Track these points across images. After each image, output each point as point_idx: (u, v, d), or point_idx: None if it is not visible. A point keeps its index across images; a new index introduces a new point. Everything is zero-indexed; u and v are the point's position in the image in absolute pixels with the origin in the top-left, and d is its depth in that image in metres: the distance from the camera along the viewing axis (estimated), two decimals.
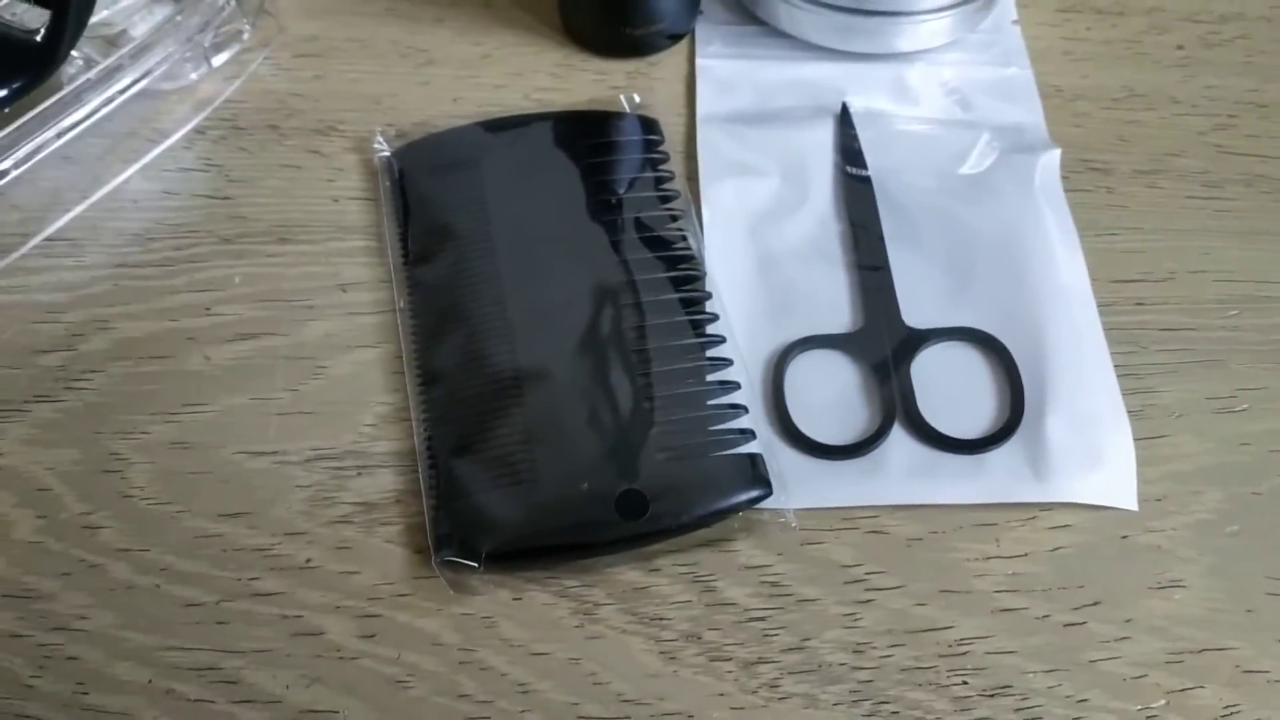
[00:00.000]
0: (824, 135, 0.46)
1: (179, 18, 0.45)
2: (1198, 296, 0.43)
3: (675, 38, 0.49)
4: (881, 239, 0.43)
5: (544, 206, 0.43)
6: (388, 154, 0.45)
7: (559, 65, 0.49)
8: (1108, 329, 0.41)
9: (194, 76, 0.48)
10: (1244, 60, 0.50)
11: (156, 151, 0.46)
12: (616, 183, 0.44)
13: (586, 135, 0.45)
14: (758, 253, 0.43)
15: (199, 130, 0.47)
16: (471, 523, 0.36)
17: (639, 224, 0.43)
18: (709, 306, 0.41)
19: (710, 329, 0.40)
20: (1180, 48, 0.50)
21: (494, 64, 0.49)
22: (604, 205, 0.43)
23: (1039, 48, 0.50)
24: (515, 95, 0.48)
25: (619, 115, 0.46)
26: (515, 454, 0.37)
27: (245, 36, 0.48)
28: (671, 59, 0.49)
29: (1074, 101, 0.48)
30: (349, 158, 0.46)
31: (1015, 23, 0.51)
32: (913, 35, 0.48)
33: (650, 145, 0.45)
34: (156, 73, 0.45)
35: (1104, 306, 0.42)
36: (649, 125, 0.46)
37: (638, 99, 0.47)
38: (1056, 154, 0.45)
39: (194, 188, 0.45)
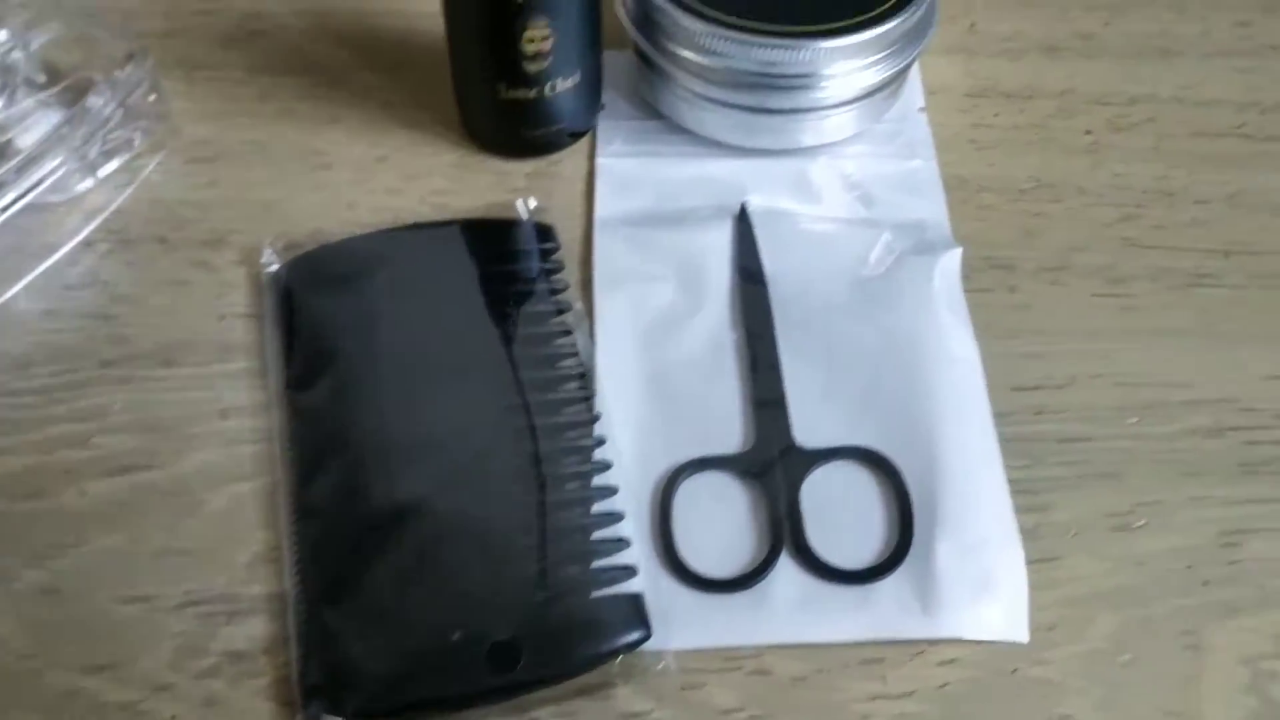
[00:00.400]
0: (723, 237, 0.46)
1: (67, 128, 0.44)
2: (1098, 403, 0.42)
3: (576, 135, 0.48)
4: (775, 349, 0.42)
5: (432, 324, 0.42)
6: (275, 269, 0.44)
7: (456, 166, 0.48)
8: (1005, 440, 0.40)
9: (82, 188, 0.46)
10: (1152, 145, 0.49)
11: (41, 268, 0.45)
12: (508, 296, 0.43)
13: (478, 246, 0.45)
14: (650, 366, 0.42)
15: (87, 243, 0.46)
16: (340, 675, 0.35)
17: (530, 339, 0.42)
18: (598, 429, 0.40)
19: (598, 453, 0.39)
20: (1089, 132, 0.50)
21: (390, 166, 0.48)
22: (494, 321, 0.42)
23: (945, 135, 0.49)
24: (411, 199, 0.47)
25: (513, 223, 0.45)
26: (387, 599, 0.36)
27: (136, 143, 0.47)
28: (572, 157, 0.48)
29: (979, 193, 0.47)
30: (238, 271, 0.45)
31: (922, 110, 0.50)
32: (816, 130, 0.47)
33: (545, 254, 0.45)
34: (43, 186, 0.44)
35: (1002, 416, 0.41)
36: (544, 233, 0.45)
37: (534, 204, 0.46)
38: (957, 254, 0.45)
39: (78, 306, 0.44)
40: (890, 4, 0.44)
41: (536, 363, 0.42)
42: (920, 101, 0.50)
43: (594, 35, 0.45)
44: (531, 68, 0.44)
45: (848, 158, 0.48)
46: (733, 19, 0.43)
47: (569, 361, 0.42)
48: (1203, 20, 0.54)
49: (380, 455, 0.39)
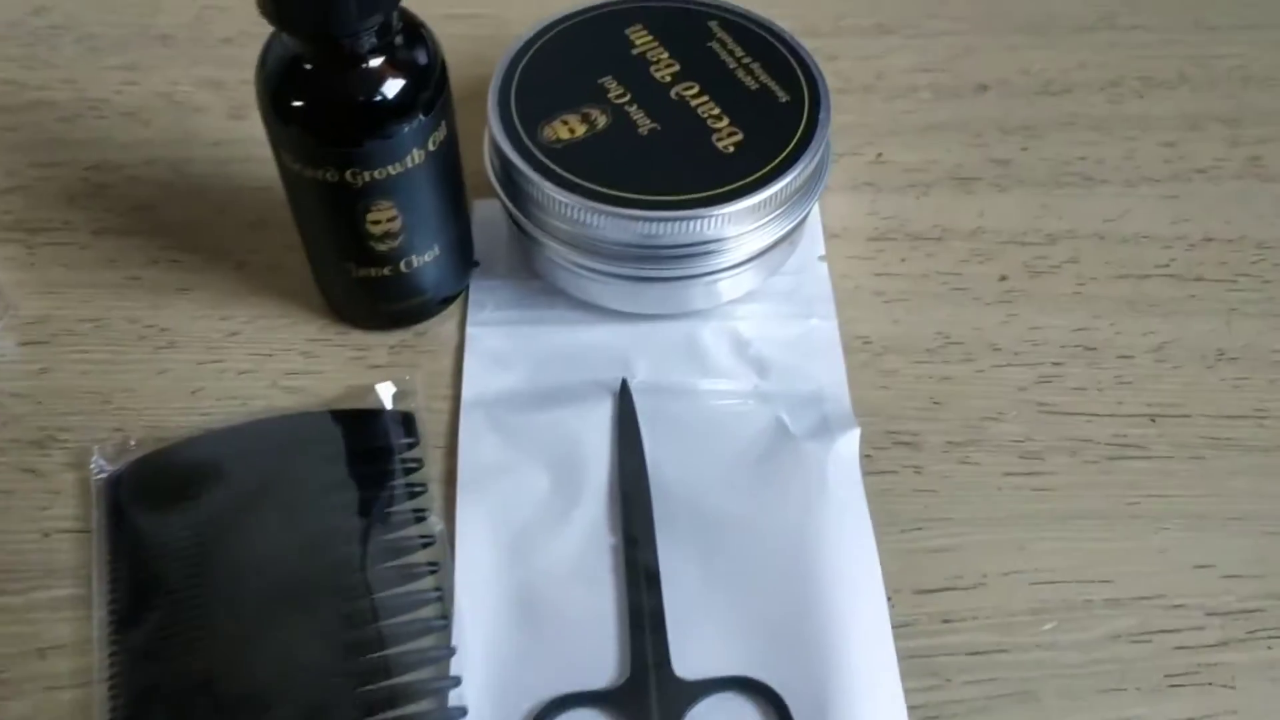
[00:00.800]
0: (602, 419, 0.42)
1: None
2: (1011, 606, 0.38)
3: (446, 300, 0.44)
4: (655, 557, 0.38)
5: (275, 542, 0.38)
6: (106, 475, 0.40)
7: (314, 341, 0.44)
8: (907, 658, 0.37)
9: None
10: (1073, 290, 0.46)
11: None
12: (362, 504, 0.39)
13: (330, 443, 0.41)
14: (516, 583, 0.38)
15: None
16: None
17: (384, 553, 0.38)
18: (453, 664, 0.36)
19: (453, 695, 0.35)
20: (1004, 278, 0.46)
21: (241, 342, 0.44)
22: (344, 537, 0.38)
23: (847, 287, 0.45)
24: (262, 382, 0.43)
25: (370, 414, 0.41)
26: None
27: None
28: (441, 326, 0.44)
29: (882, 356, 0.43)
30: (67, 477, 0.41)
31: (822, 259, 0.46)
32: (708, 294, 0.43)
33: (405, 449, 0.40)
34: None
35: (904, 627, 0.37)
36: (405, 425, 0.41)
37: (393, 389, 0.42)
38: (855, 436, 0.41)
39: None
40: (779, 160, 0.40)
41: (390, 582, 0.38)
42: (820, 249, 0.46)
43: (451, 206, 0.41)
44: (381, 247, 0.40)
45: (742, 318, 0.44)
46: (608, 190, 0.39)
47: (426, 581, 0.38)
48: (1127, 142, 0.50)
49: (211, 708, 0.34)
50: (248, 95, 0.48)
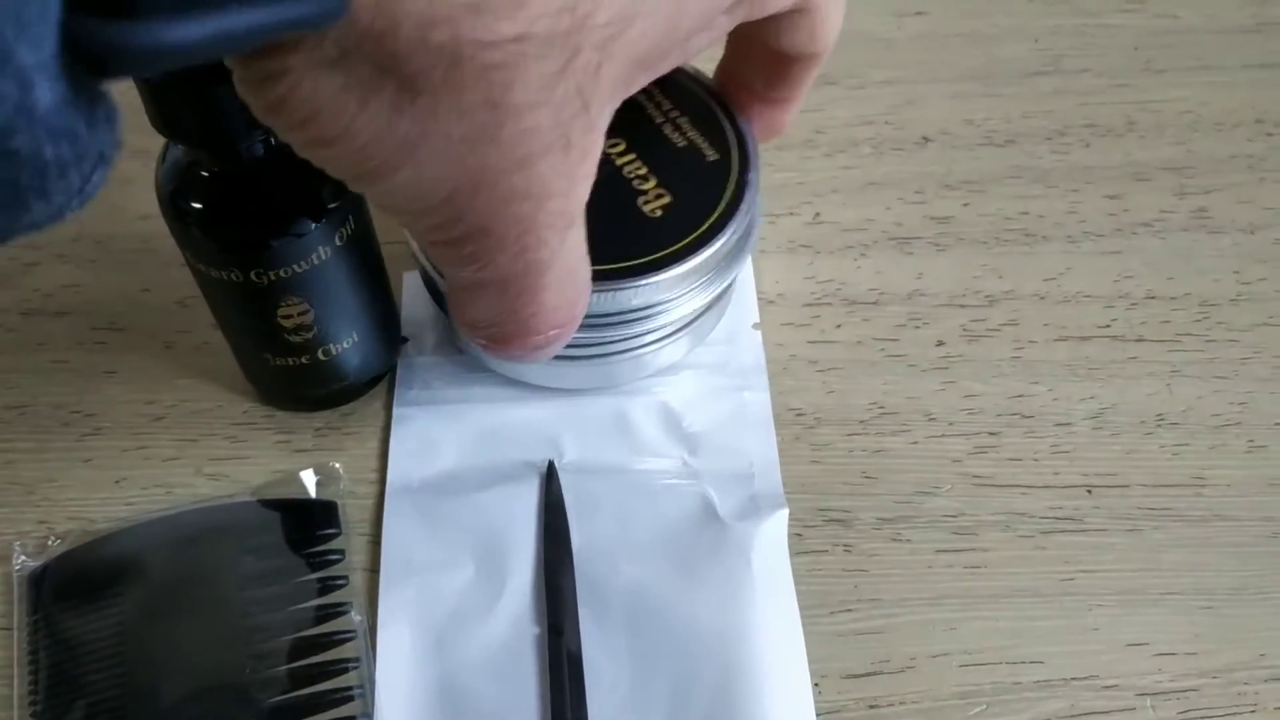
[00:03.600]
0: (528, 502, 0.41)
1: None
2: (940, 690, 0.38)
3: (373, 380, 0.44)
4: (579, 649, 0.38)
5: (195, 636, 0.38)
6: (26, 570, 0.39)
7: (239, 425, 0.43)
8: None
9: None
10: (1011, 355, 0.45)
11: None
12: (282, 598, 0.39)
13: (250, 536, 0.40)
14: (438, 675, 0.38)
15: None
16: None
17: (305, 648, 0.38)
18: None
19: None
20: (940, 344, 0.45)
21: (167, 427, 0.43)
22: (266, 633, 0.38)
23: (781, 357, 0.44)
24: (187, 470, 0.42)
25: (292, 504, 0.41)
26: None
27: None
28: (367, 405, 0.44)
29: (815, 429, 0.43)
30: None
31: (755, 327, 0.45)
32: (634, 367, 0.42)
33: (326, 539, 0.40)
34: None
35: (829, 715, 0.37)
36: (326, 514, 0.40)
37: (315, 477, 0.41)
38: (783, 517, 0.40)
39: None
40: (708, 225, 0.39)
41: (311, 679, 0.37)
42: (755, 317, 0.45)
43: (367, 293, 0.40)
44: (295, 339, 0.39)
45: (673, 391, 0.44)
46: None
47: (348, 678, 0.37)
48: (1071, 194, 0.49)
49: None
50: None
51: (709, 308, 0.42)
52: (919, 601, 0.39)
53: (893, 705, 0.37)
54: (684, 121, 0.42)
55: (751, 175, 0.40)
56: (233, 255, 0.36)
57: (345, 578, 0.39)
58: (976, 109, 0.53)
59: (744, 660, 0.37)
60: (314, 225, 0.36)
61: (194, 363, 0.45)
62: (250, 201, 0.35)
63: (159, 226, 0.46)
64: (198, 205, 0.35)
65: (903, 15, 0.57)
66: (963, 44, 0.55)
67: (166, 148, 0.36)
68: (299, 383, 0.42)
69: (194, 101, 0.32)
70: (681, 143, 0.41)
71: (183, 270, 0.45)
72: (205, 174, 0.35)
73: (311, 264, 0.37)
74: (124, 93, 0.53)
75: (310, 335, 0.39)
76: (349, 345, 0.41)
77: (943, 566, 0.40)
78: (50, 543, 0.40)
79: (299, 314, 0.38)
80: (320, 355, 0.40)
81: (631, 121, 0.41)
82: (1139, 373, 0.44)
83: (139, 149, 0.50)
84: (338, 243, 0.37)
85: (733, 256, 0.40)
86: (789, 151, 0.51)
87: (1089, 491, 0.42)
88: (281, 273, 0.36)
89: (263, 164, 0.35)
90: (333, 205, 0.36)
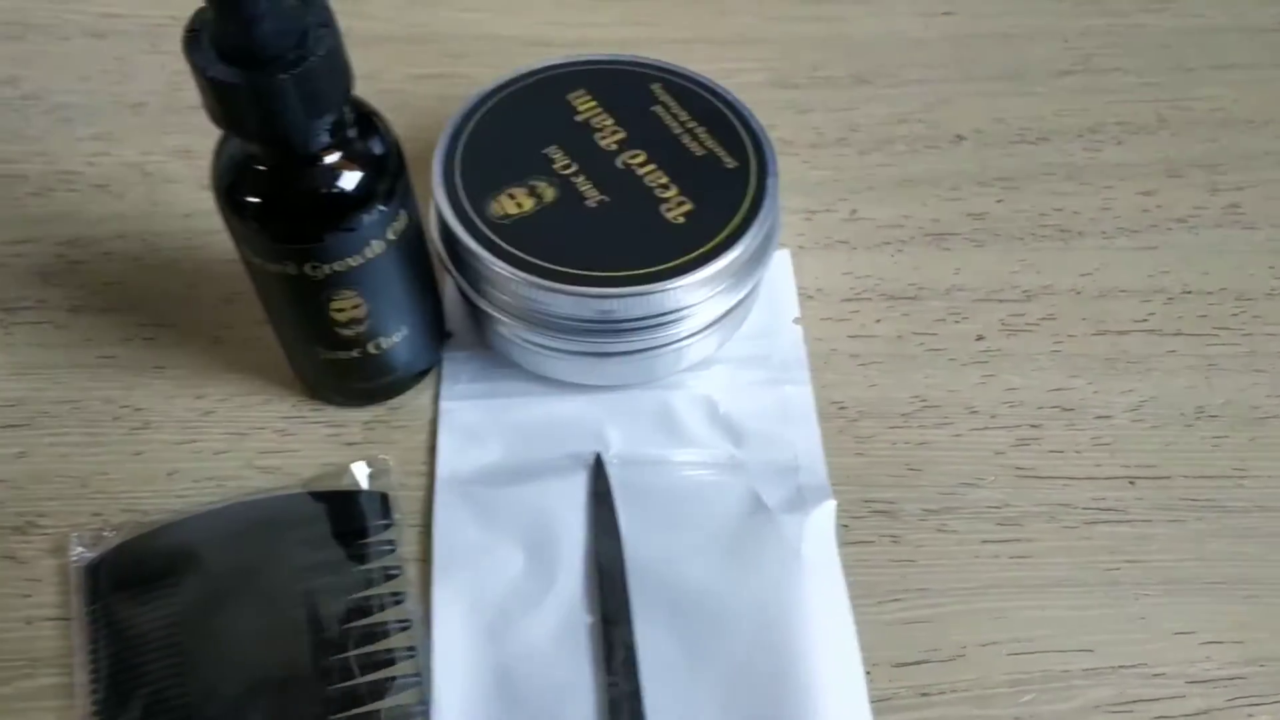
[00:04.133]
0: (576, 494, 0.42)
1: None
2: (989, 678, 0.38)
3: (420, 375, 0.44)
4: (632, 635, 0.38)
5: (253, 626, 0.39)
6: (84, 562, 0.40)
7: (287, 419, 0.44)
8: None
9: None
10: (1051, 349, 0.45)
11: None
12: (339, 587, 0.39)
13: (306, 526, 0.41)
14: (494, 663, 0.38)
15: None
16: None
17: (362, 637, 0.38)
18: None
19: None
20: (980, 338, 0.45)
21: (216, 422, 0.44)
22: (321, 622, 0.39)
23: (822, 351, 0.45)
24: (236, 462, 0.43)
25: (345, 495, 0.41)
26: None
27: None
28: (415, 399, 0.44)
29: (858, 422, 0.43)
30: (47, 564, 0.41)
31: (796, 321, 0.46)
32: (673, 360, 0.43)
33: (380, 530, 0.40)
34: None
35: (882, 702, 0.37)
36: (378, 505, 0.41)
37: (368, 469, 0.41)
38: (831, 508, 0.40)
39: None
40: (730, 229, 0.40)
41: (368, 666, 0.38)
42: (795, 311, 0.46)
43: (418, 287, 0.41)
44: (346, 333, 0.40)
45: (715, 385, 0.44)
46: (559, 267, 0.39)
47: (404, 666, 0.38)
48: (1104, 191, 0.50)
49: None
50: None
51: (738, 305, 0.42)
52: (966, 591, 0.40)
53: (943, 693, 0.38)
54: (701, 131, 0.43)
55: (770, 181, 0.41)
56: (287, 248, 0.36)
57: (399, 568, 0.40)
58: (1008, 107, 0.53)
59: (797, 649, 0.38)
60: (367, 219, 0.36)
61: (241, 358, 0.46)
62: (306, 195, 0.36)
63: (202, 224, 0.47)
64: (254, 199, 0.36)
65: (931, 15, 0.57)
66: (993, 43, 0.56)
67: (222, 142, 0.37)
68: (349, 376, 0.42)
69: (257, 97, 0.32)
70: (700, 152, 0.42)
71: (227, 266, 0.46)
72: (261, 168, 0.36)
73: (364, 258, 0.37)
74: (168, 92, 0.54)
75: (362, 329, 0.40)
76: (399, 339, 0.41)
77: (989, 557, 0.41)
78: (106, 534, 0.41)
79: (351, 307, 0.39)
80: (371, 349, 0.41)
81: (651, 133, 0.42)
82: (1177, 366, 0.45)
83: (180, 148, 0.51)
84: (390, 237, 0.38)
85: (758, 257, 0.41)
86: (824, 149, 0.52)
87: (1131, 483, 0.42)
88: (335, 266, 0.37)
89: (318, 158, 0.35)
90: (386, 200, 0.36)
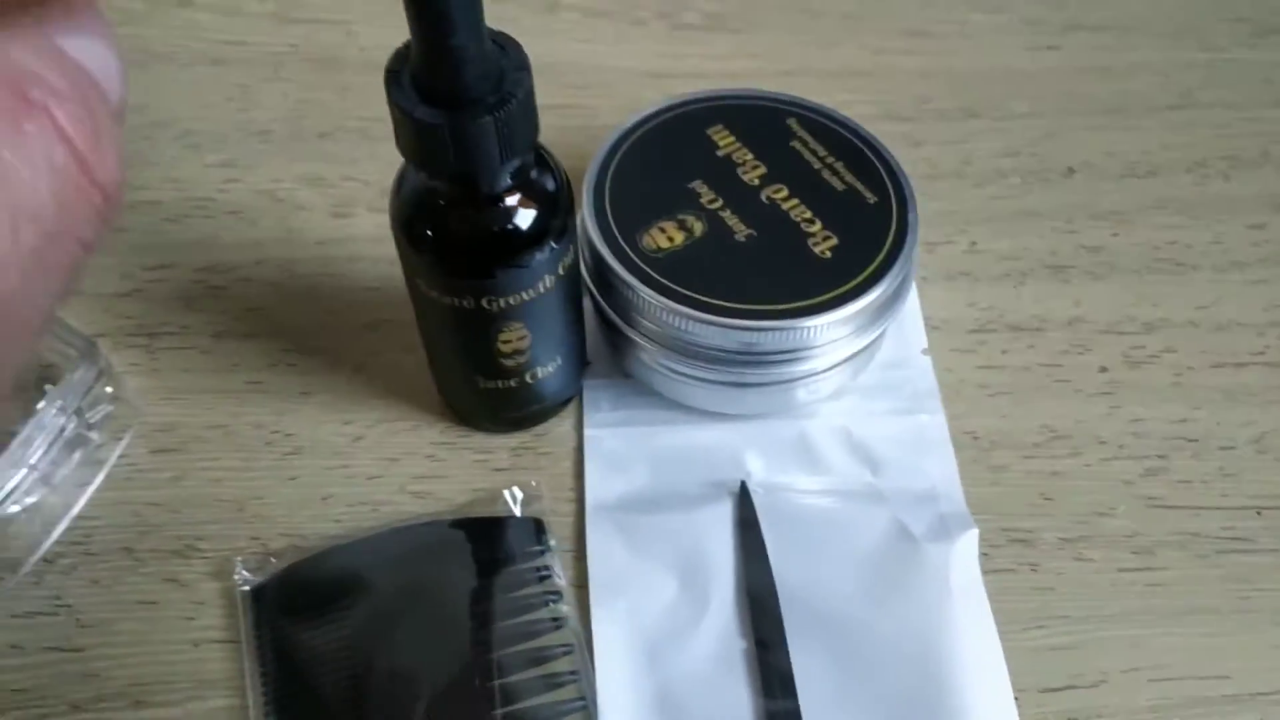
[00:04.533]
0: (723, 521, 0.43)
1: (19, 447, 0.41)
2: (1133, 704, 0.39)
3: (564, 403, 0.45)
4: (788, 659, 0.40)
5: (419, 649, 0.40)
6: (249, 586, 0.41)
7: (437, 444, 0.45)
8: None
9: (38, 496, 0.43)
10: (1172, 381, 0.47)
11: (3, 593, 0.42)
12: (502, 611, 0.41)
13: (466, 551, 0.42)
14: (656, 687, 0.39)
15: (47, 559, 0.43)
16: None
17: (526, 661, 0.40)
18: None
19: None
20: (1104, 370, 0.47)
21: (366, 448, 0.45)
22: (487, 643, 0.40)
23: (951, 381, 0.46)
24: (390, 488, 0.44)
25: (502, 521, 0.43)
26: None
27: (95, 439, 0.44)
28: (559, 427, 0.46)
29: (991, 451, 0.45)
30: (209, 586, 0.42)
31: (925, 353, 0.47)
32: (810, 391, 0.44)
33: (536, 555, 0.42)
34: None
35: None
36: (536, 531, 0.42)
37: (519, 494, 0.43)
38: (974, 536, 0.42)
39: (42, 638, 0.41)
40: (876, 265, 0.42)
41: (535, 690, 0.39)
42: (923, 342, 0.47)
43: (574, 319, 0.43)
44: (509, 363, 0.41)
45: (850, 415, 0.46)
46: (710, 299, 0.40)
47: (569, 690, 0.39)
48: (1214, 225, 0.51)
49: None
50: (348, 193, 0.50)
51: (877, 338, 0.44)
52: (1105, 618, 0.41)
53: (1090, 719, 0.39)
54: (840, 166, 0.44)
55: (911, 216, 0.42)
56: (467, 282, 0.38)
57: (559, 593, 0.41)
58: (1116, 141, 0.55)
59: (949, 675, 0.39)
60: (541, 256, 0.38)
61: (386, 385, 0.47)
62: (486, 232, 0.37)
63: (337, 251, 0.49)
64: (434, 234, 0.37)
65: (1037, 50, 0.59)
66: (1096, 78, 0.58)
67: (402, 176, 0.38)
68: (502, 404, 0.44)
69: (457, 138, 0.33)
70: (840, 187, 0.43)
71: (367, 294, 0.48)
72: (442, 203, 0.37)
73: (537, 292, 0.39)
74: (293, 120, 0.55)
75: (523, 359, 0.41)
76: (553, 369, 0.43)
77: (1125, 584, 0.42)
78: (271, 560, 0.42)
79: (517, 339, 0.40)
80: (528, 378, 0.42)
81: (791, 169, 0.44)
82: None
83: (309, 175, 0.52)
84: (560, 272, 0.39)
85: (899, 292, 0.43)
86: (940, 181, 0.53)
87: (1259, 513, 0.43)
88: (510, 299, 0.38)
89: (501, 197, 0.37)
90: (559, 237, 0.38)
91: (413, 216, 0.37)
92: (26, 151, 0.16)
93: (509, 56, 0.33)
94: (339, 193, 0.53)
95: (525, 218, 0.37)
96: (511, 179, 0.36)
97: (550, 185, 0.38)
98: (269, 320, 0.49)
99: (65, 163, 0.17)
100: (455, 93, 0.32)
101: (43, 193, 0.17)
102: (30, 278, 0.17)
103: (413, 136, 0.33)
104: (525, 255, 0.37)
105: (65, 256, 0.18)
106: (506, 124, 0.33)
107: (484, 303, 0.38)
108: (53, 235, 0.17)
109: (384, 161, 0.51)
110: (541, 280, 0.38)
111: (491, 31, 0.33)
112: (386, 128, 0.34)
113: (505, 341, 0.40)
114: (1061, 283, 0.50)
